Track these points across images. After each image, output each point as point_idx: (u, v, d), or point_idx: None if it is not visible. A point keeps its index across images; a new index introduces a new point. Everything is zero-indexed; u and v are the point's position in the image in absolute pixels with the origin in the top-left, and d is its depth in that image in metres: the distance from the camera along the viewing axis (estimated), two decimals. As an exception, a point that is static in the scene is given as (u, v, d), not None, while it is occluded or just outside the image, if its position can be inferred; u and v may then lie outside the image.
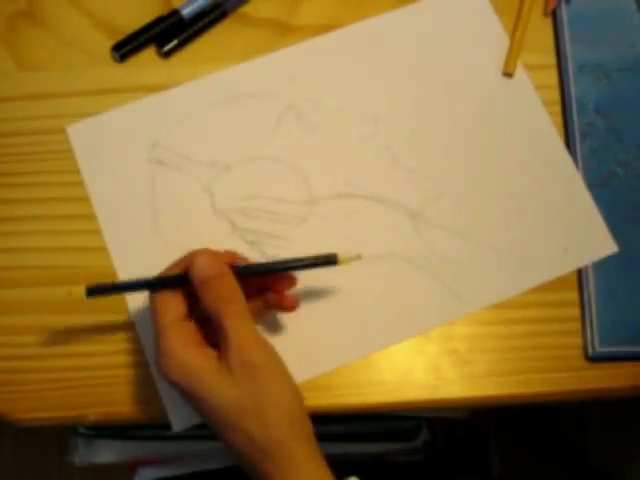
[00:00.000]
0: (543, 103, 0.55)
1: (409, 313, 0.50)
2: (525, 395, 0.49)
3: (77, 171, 0.53)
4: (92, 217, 0.52)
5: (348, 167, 0.53)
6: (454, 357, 0.50)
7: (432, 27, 0.57)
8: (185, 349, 0.41)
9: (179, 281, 0.43)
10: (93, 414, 0.49)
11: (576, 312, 0.51)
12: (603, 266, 0.51)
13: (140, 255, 0.51)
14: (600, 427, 1.09)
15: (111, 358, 0.49)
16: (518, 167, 0.54)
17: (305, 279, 0.49)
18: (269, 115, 0.54)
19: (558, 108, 0.55)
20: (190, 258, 0.44)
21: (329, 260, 0.45)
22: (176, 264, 0.44)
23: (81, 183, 0.53)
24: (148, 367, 0.49)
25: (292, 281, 0.46)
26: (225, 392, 0.40)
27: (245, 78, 0.55)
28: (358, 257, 0.45)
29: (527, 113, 0.55)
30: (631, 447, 1.06)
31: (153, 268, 0.45)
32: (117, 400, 0.49)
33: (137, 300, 0.50)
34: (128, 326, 0.50)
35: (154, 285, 0.43)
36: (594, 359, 0.50)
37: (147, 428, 0.68)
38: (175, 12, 0.56)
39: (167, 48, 0.55)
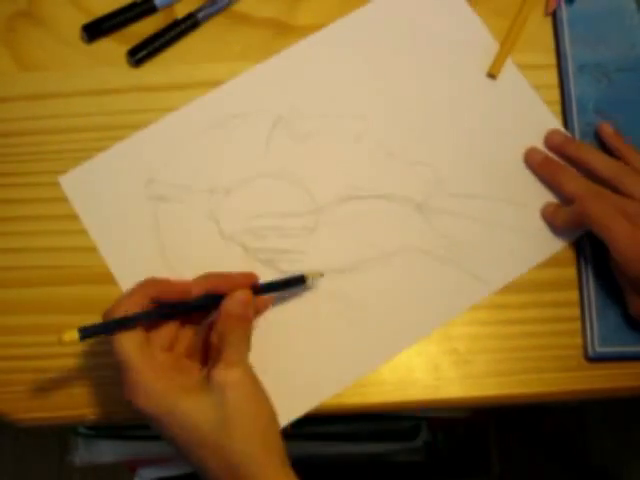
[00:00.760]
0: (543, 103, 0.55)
1: (435, 303, 0.50)
2: (525, 395, 0.49)
3: (77, 171, 0.53)
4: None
5: (346, 170, 0.53)
6: (454, 357, 0.50)
7: (412, 20, 0.57)
8: (155, 376, 0.41)
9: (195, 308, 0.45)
10: (93, 414, 0.49)
11: (576, 312, 0.51)
12: (603, 266, 0.51)
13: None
14: (600, 427, 1.09)
15: (111, 358, 0.49)
16: (517, 145, 0.54)
17: (329, 286, 0.50)
18: (259, 132, 0.54)
19: (558, 108, 0.55)
20: (215, 285, 0.45)
21: (299, 280, 0.48)
22: (145, 287, 0.43)
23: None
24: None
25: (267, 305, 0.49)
26: (195, 408, 0.41)
27: (227, 99, 0.55)
28: (321, 274, 0.49)
29: (519, 99, 0.55)
30: (631, 447, 1.06)
31: None
32: (117, 400, 0.49)
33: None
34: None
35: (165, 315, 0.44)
36: (594, 359, 0.50)
37: (147, 428, 0.68)
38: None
39: (138, 56, 0.55)
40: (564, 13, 0.56)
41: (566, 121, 0.55)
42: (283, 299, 0.50)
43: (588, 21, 0.57)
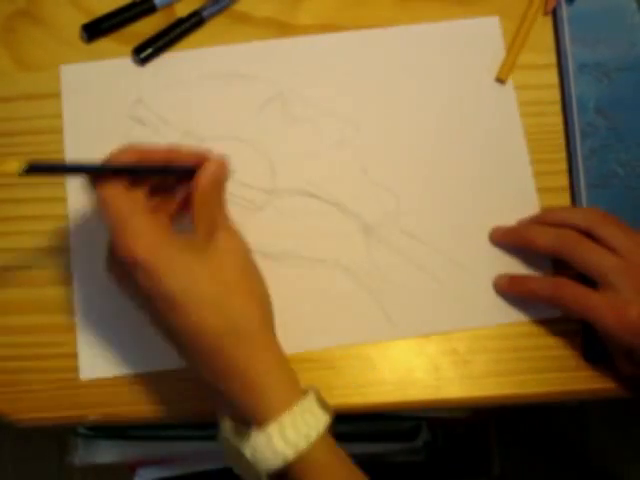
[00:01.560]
0: (543, 103, 0.55)
1: (337, 324, 0.50)
2: (525, 395, 0.49)
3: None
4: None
5: (316, 167, 0.53)
6: (454, 357, 0.50)
7: (439, 50, 0.56)
8: (157, 229, 0.39)
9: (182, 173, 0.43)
10: (93, 414, 0.49)
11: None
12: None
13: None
14: (600, 427, 1.09)
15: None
16: (488, 205, 0.53)
17: None
18: (256, 99, 0.54)
19: (558, 108, 0.55)
20: (203, 158, 0.43)
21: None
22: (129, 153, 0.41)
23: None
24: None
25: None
26: (198, 265, 0.40)
27: (242, 58, 0.55)
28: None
29: (504, 133, 0.54)
30: (631, 447, 1.06)
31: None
32: (117, 400, 0.49)
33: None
34: (128, 326, 0.50)
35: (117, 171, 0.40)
36: (594, 359, 0.49)
37: (147, 428, 0.68)
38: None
39: (144, 55, 0.55)
40: (564, 12, 0.56)
41: (566, 121, 0.55)
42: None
43: (588, 20, 0.56)
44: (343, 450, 0.42)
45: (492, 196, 0.53)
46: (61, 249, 0.51)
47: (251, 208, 0.52)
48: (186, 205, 0.44)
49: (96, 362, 0.49)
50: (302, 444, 0.39)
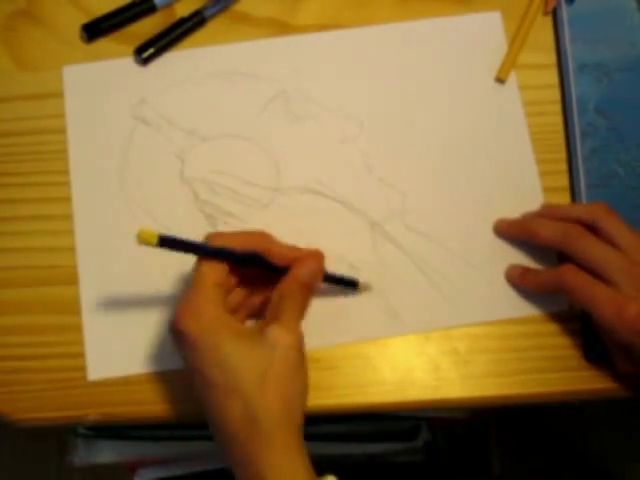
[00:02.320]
0: (543, 103, 0.55)
1: (342, 321, 0.50)
2: (525, 395, 0.49)
3: (77, 171, 0.53)
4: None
5: (321, 165, 0.53)
6: (454, 357, 0.50)
7: (440, 45, 0.57)
8: (220, 303, 0.42)
9: (252, 260, 0.44)
10: (93, 414, 0.49)
11: (576, 312, 0.51)
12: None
13: (100, 202, 0.52)
14: (600, 427, 1.09)
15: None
16: (493, 199, 0.53)
17: None
18: (259, 97, 0.55)
19: (558, 108, 0.55)
20: (299, 255, 0.45)
21: (351, 283, 0.50)
22: (236, 237, 0.44)
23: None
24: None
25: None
26: (241, 353, 0.41)
27: (245, 57, 0.56)
28: (369, 288, 0.50)
29: (508, 131, 0.54)
30: (631, 447, 1.06)
31: (108, 218, 0.51)
32: (117, 400, 0.49)
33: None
34: (128, 326, 0.50)
35: (227, 256, 0.43)
36: (594, 359, 0.49)
37: (147, 428, 0.68)
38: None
39: (145, 55, 0.55)
40: (564, 13, 0.56)
41: (566, 121, 0.55)
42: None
43: (588, 21, 0.56)
44: None
45: (498, 191, 0.53)
46: (61, 249, 0.51)
47: (256, 206, 0.52)
48: (263, 307, 0.47)
49: (104, 362, 0.49)
50: None
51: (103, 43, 0.56)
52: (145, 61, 0.55)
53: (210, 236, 0.44)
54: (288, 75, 0.55)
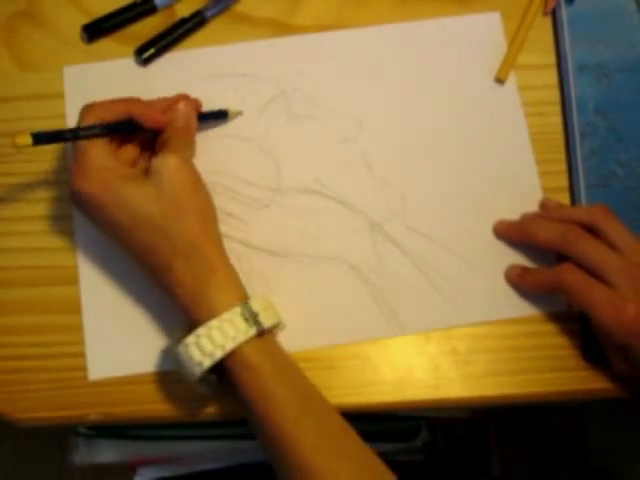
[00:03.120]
0: (542, 104, 0.55)
1: (342, 321, 0.50)
2: (524, 395, 0.49)
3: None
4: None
5: (321, 165, 0.53)
6: (454, 357, 0.50)
7: (440, 45, 0.57)
8: (105, 158, 0.45)
9: (130, 128, 0.47)
10: (93, 414, 0.49)
11: (575, 312, 0.51)
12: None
13: None
14: (600, 427, 1.09)
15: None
16: (493, 198, 0.53)
17: (250, 269, 0.51)
18: (259, 97, 0.55)
19: (558, 108, 0.55)
20: (172, 104, 0.49)
21: (222, 114, 0.53)
22: (107, 106, 0.47)
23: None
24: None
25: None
26: (137, 191, 0.44)
27: (245, 57, 0.56)
28: (240, 113, 0.54)
29: (508, 131, 0.54)
30: (631, 447, 1.06)
31: None
32: (117, 400, 0.49)
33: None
34: (128, 326, 0.50)
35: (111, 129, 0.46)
36: (593, 359, 0.49)
37: (147, 428, 0.68)
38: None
39: (146, 55, 0.55)
40: (564, 13, 0.56)
41: (566, 121, 0.55)
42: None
43: (588, 21, 0.57)
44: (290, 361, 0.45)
45: (498, 191, 0.53)
46: (61, 249, 0.51)
47: (257, 206, 0.52)
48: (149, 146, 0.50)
49: (104, 362, 0.49)
50: (218, 354, 0.42)
51: (104, 43, 0.56)
52: (145, 62, 0.55)
53: (82, 110, 0.47)
54: (288, 75, 0.55)
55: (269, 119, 0.54)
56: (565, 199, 0.53)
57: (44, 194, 0.53)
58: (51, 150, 0.53)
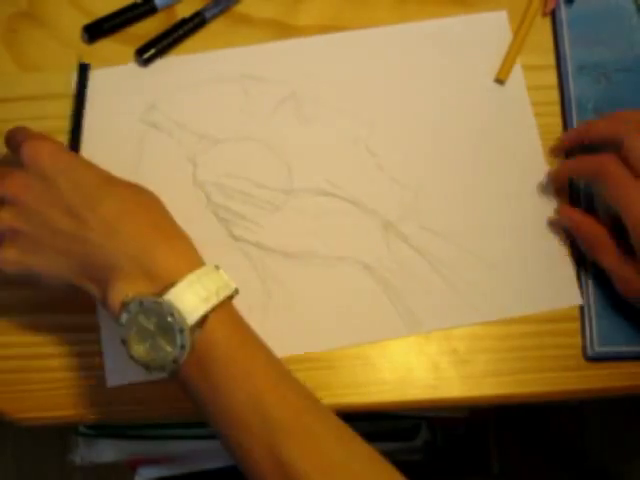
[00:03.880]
0: (542, 104, 0.55)
1: (357, 321, 0.50)
2: (524, 395, 0.49)
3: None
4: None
5: (333, 166, 0.54)
6: (453, 357, 0.50)
7: (446, 45, 0.57)
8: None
9: None
10: (93, 414, 0.49)
11: (575, 312, 0.51)
12: (602, 266, 0.51)
13: None
14: (600, 427, 1.09)
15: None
16: (504, 195, 0.53)
17: (265, 271, 0.51)
18: (269, 100, 0.55)
19: (557, 109, 0.55)
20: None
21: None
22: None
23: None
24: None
25: None
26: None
27: (254, 60, 0.56)
28: None
29: (517, 129, 0.55)
30: (631, 447, 1.06)
31: None
32: (117, 400, 0.49)
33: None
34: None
35: None
36: (593, 359, 0.50)
37: (147, 428, 0.68)
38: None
39: (146, 55, 0.55)
40: (563, 14, 0.57)
41: (565, 122, 0.55)
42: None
43: (587, 22, 0.57)
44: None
45: (510, 189, 0.53)
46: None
47: (269, 209, 0.52)
48: None
49: (122, 369, 0.49)
50: (212, 301, 0.40)
51: (104, 44, 0.56)
52: (146, 62, 0.55)
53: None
54: (298, 77, 0.55)
55: (279, 121, 0.54)
56: (564, 199, 0.53)
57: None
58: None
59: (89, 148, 0.53)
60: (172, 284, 0.39)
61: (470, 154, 0.54)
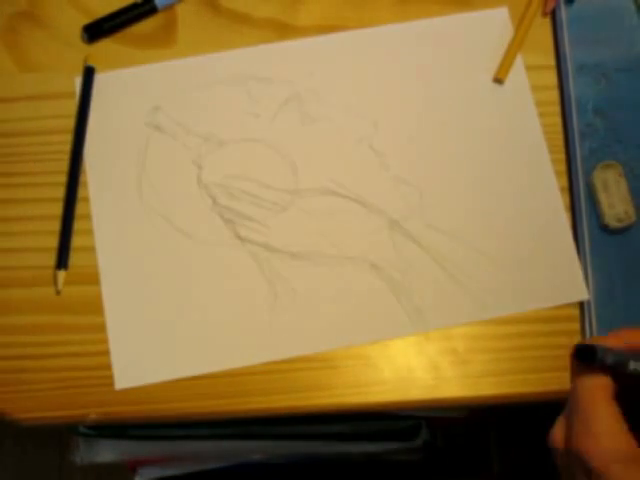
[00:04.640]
0: (542, 104, 0.55)
1: (366, 319, 0.50)
2: (524, 395, 0.49)
3: (78, 171, 0.53)
4: (92, 217, 0.52)
5: (338, 165, 0.54)
6: (453, 357, 0.50)
7: (449, 42, 0.57)
8: (623, 431, 0.35)
9: None
10: (93, 414, 0.49)
11: (575, 312, 0.51)
12: (603, 266, 0.51)
13: (119, 214, 0.52)
14: (600, 427, 1.09)
15: (111, 357, 0.49)
16: (509, 192, 0.53)
17: (272, 272, 0.51)
18: (272, 101, 0.55)
19: (557, 109, 0.55)
20: None
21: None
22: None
23: (81, 184, 0.53)
24: (148, 367, 0.49)
25: None
26: None
27: (257, 61, 0.56)
28: None
29: (520, 128, 0.55)
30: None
31: (128, 228, 0.51)
32: (117, 400, 0.49)
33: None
34: (128, 326, 0.50)
35: None
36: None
37: (147, 428, 0.68)
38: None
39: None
40: (563, 14, 0.57)
41: (565, 122, 0.55)
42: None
43: (587, 22, 0.57)
44: None
45: (514, 186, 0.53)
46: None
47: (275, 209, 0.52)
48: None
49: (130, 372, 0.49)
50: None
51: (104, 44, 0.56)
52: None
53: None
54: (300, 77, 0.55)
55: (284, 121, 0.54)
56: (565, 199, 0.54)
57: (44, 194, 0.53)
58: (53, 151, 0.53)
59: (93, 151, 0.53)
60: None
61: (474, 151, 0.54)
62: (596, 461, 0.35)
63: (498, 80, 0.56)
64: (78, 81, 0.55)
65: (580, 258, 0.52)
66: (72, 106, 0.54)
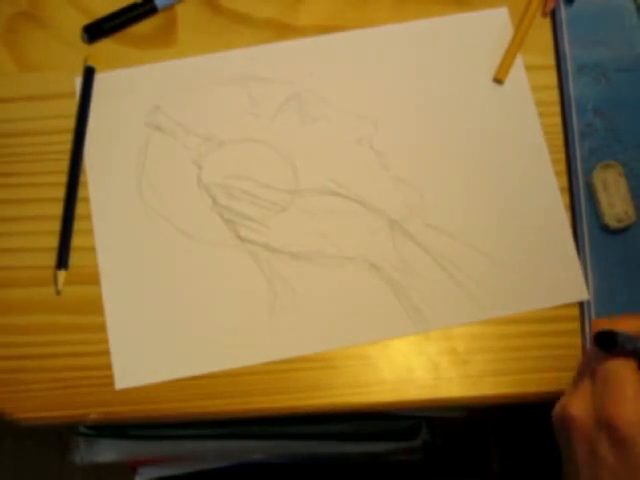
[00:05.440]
0: (542, 104, 0.55)
1: (366, 319, 0.50)
2: (524, 395, 0.49)
3: (78, 171, 0.53)
4: (92, 217, 0.52)
5: (338, 165, 0.54)
6: (453, 357, 0.50)
7: (448, 41, 0.57)
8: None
9: None
10: (94, 414, 0.49)
11: (575, 312, 0.51)
12: (603, 266, 0.51)
13: (119, 214, 0.52)
14: (600, 427, 1.09)
15: (111, 357, 0.49)
16: (509, 192, 0.53)
17: (272, 272, 0.51)
18: (272, 101, 0.55)
19: (557, 109, 0.56)
20: None
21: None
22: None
23: (81, 184, 0.53)
24: (148, 367, 0.49)
25: None
26: None
27: (257, 61, 0.56)
28: None
29: (520, 128, 0.55)
30: (631, 447, 1.06)
31: (128, 228, 0.51)
32: (117, 400, 0.49)
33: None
34: (128, 326, 0.50)
35: None
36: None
37: (147, 428, 0.68)
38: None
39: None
40: (563, 14, 0.57)
41: (565, 122, 0.55)
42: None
43: (587, 22, 0.57)
44: None
45: (514, 187, 0.53)
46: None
47: (275, 209, 0.53)
48: None
49: (131, 372, 0.49)
50: None
51: (104, 44, 0.56)
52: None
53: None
54: (300, 77, 0.55)
55: (284, 121, 0.55)
56: (565, 200, 0.54)
57: (44, 194, 0.53)
58: (53, 151, 0.53)
59: (93, 151, 0.53)
60: None
61: (474, 151, 0.54)
62: (626, 425, 0.35)
63: (498, 80, 0.56)
64: (78, 81, 0.55)
65: (580, 258, 0.52)
66: (72, 106, 0.54)
